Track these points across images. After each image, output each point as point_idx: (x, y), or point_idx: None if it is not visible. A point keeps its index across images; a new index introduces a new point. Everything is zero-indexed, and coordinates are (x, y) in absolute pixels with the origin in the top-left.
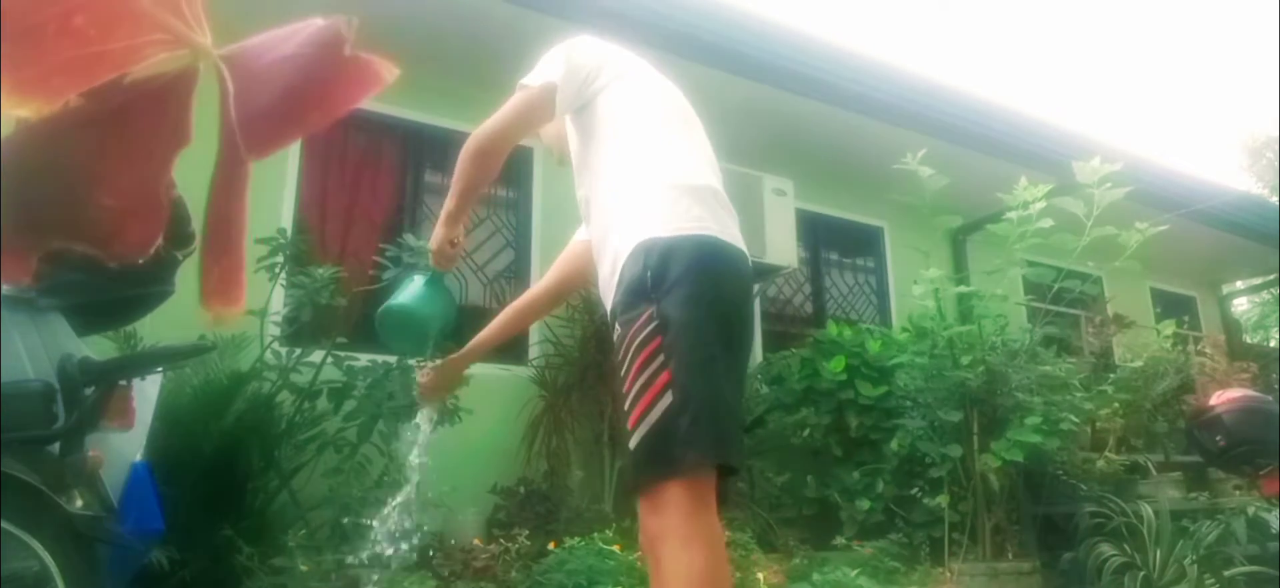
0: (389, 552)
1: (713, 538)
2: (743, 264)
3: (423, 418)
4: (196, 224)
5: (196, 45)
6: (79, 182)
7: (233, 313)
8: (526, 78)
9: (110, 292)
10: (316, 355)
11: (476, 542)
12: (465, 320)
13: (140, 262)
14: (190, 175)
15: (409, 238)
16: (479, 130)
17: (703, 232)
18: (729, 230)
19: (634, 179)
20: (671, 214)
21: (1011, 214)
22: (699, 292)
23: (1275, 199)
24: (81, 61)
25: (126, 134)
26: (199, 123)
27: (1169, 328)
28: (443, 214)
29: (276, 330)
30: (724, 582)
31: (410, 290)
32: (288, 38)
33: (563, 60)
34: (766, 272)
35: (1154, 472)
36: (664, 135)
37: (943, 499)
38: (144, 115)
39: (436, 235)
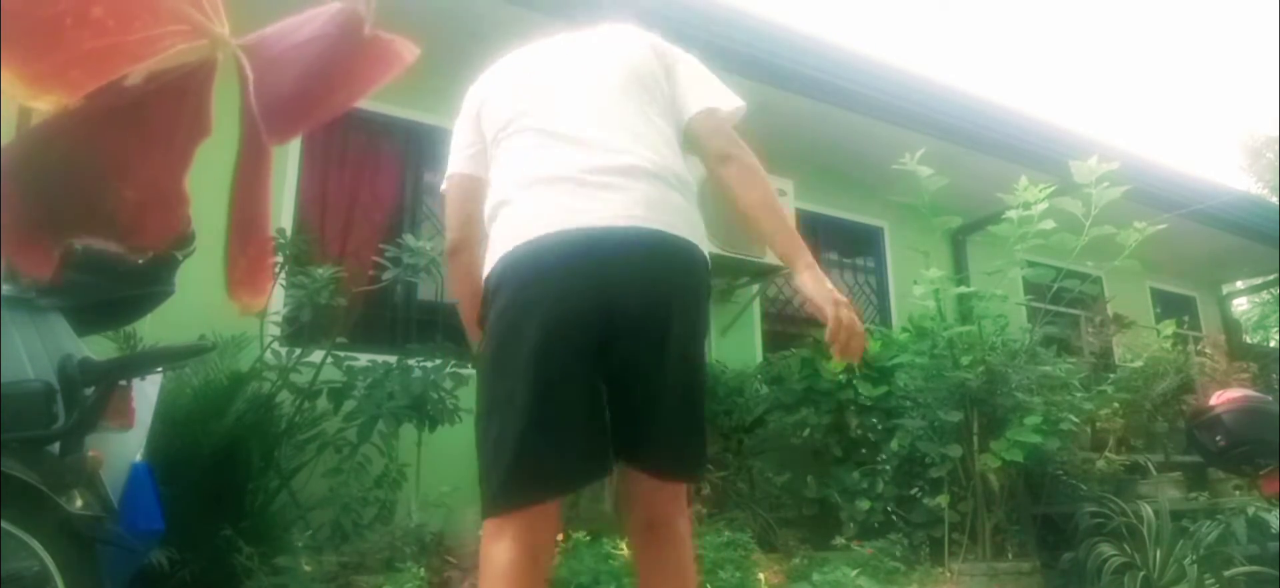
0: None
1: (505, 565)
2: (586, 245)
3: None
4: (198, 223)
5: (215, 35)
6: (100, 175)
7: (259, 304)
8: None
9: (110, 292)
10: (316, 355)
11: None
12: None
13: (140, 262)
14: (206, 168)
15: (409, 238)
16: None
17: (518, 241)
18: (586, 212)
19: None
20: (495, 249)
21: (1012, 214)
22: (497, 320)
23: (1275, 199)
24: (99, 53)
25: (146, 126)
26: (216, 114)
27: (1169, 328)
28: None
29: (276, 330)
30: None
31: None
32: (305, 22)
33: (453, 152)
34: (766, 271)
35: (1154, 472)
36: (510, 149)
37: (943, 499)
38: (164, 107)
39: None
